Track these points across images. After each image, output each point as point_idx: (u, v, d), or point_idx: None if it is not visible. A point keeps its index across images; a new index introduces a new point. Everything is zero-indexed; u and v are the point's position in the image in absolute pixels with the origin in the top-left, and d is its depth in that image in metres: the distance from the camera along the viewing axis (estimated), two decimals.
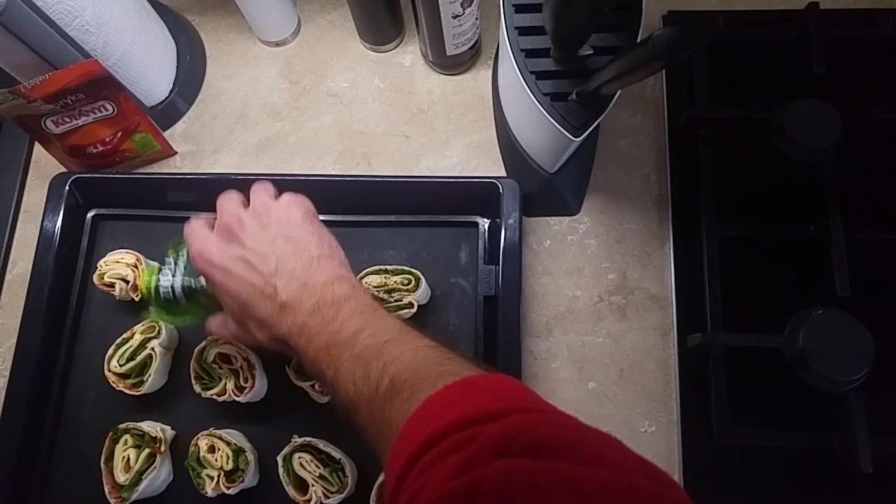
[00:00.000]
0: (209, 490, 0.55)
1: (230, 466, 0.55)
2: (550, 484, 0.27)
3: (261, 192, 0.50)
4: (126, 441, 0.57)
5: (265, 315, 0.45)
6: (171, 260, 0.54)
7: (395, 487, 0.32)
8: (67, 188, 0.64)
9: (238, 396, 0.57)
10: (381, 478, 0.55)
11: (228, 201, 0.50)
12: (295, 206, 0.49)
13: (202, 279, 0.50)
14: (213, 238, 0.48)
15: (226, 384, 0.57)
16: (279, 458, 0.56)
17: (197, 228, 0.49)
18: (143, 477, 0.55)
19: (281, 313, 0.45)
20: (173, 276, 0.53)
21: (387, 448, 0.35)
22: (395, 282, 0.60)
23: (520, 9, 0.52)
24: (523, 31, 0.51)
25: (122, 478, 0.55)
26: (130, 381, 0.59)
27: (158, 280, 0.53)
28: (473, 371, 0.37)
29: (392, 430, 0.35)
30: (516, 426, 0.31)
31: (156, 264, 0.63)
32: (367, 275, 0.60)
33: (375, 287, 0.59)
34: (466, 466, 0.29)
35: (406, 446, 0.33)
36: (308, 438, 0.56)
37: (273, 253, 0.46)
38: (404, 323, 0.44)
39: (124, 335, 0.60)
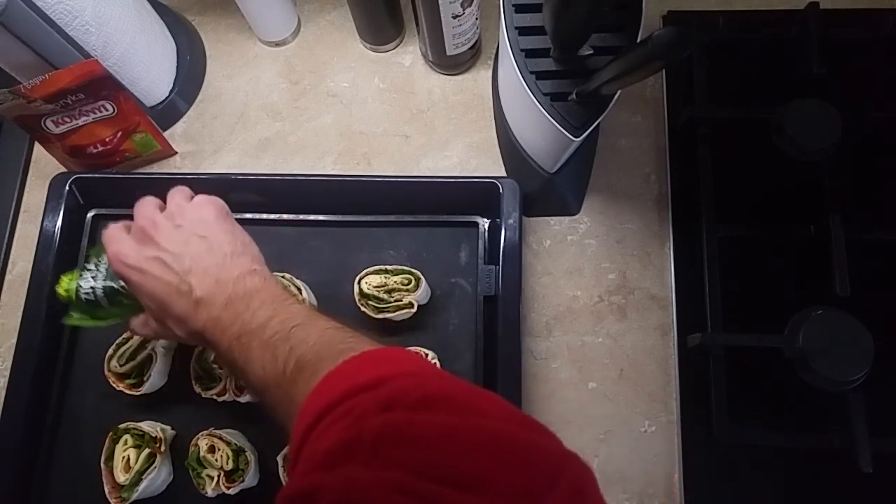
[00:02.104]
0: (209, 490, 0.55)
1: (230, 466, 0.55)
2: (425, 431, 0.30)
3: (175, 195, 0.51)
4: (126, 441, 0.57)
5: (182, 311, 0.46)
6: (93, 264, 0.54)
7: (296, 453, 0.34)
8: (67, 188, 0.64)
9: (238, 396, 0.57)
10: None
11: (144, 205, 0.51)
12: (207, 206, 0.50)
13: (122, 281, 0.51)
14: (128, 240, 0.49)
15: (226, 384, 0.58)
16: (279, 458, 0.56)
17: (114, 232, 0.50)
18: (143, 477, 0.55)
19: (196, 309, 0.46)
20: (94, 279, 0.53)
21: (293, 424, 0.37)
22: (395, 282, 0.60)
23: (520, 9, 0.52)
24: (523, 31, 0.51)
25: (122, 478, 0.55)
26: (130, 381, 0.59)
27: (79, 284, 0.53)
28: (372, 346, 0.39)
29: (298, 407, 0.37)
30: (399, 387, 0.34)
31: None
32: (367, 275, 0.60)
33: (375, 287, 0.59)
34: (353, 425, 0.32)
35: (305, 417, 0.35)
36: None
37: (187, 252, 0.47)
38: (312, 309, 0.46)
39: (124, 335, 0.60)
